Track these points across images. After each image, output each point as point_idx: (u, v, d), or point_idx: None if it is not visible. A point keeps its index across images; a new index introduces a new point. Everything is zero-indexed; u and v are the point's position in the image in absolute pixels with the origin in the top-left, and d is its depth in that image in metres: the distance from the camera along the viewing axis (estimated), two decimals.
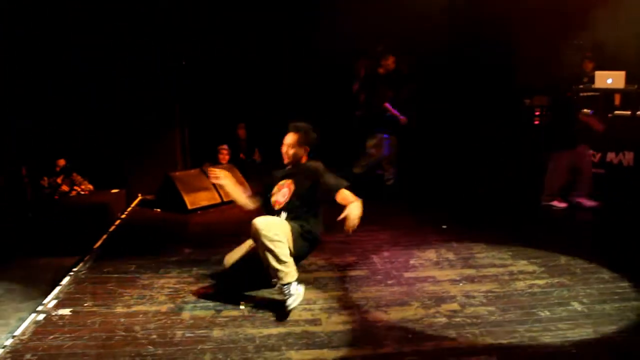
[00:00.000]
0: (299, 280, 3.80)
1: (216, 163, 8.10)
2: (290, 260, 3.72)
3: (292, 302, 3.66)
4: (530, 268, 4.51)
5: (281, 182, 4.24)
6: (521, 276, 4.33)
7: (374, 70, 7.46)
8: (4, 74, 7.43)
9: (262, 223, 3.69)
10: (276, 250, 3.64)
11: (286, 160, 4.27)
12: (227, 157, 8.40)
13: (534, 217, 6.43)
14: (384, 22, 8.05)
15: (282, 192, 4.18)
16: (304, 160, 4.27)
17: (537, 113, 8.09)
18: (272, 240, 3.63)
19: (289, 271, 3.68)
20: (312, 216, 4.11)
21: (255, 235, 3.69)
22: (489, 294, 4.00)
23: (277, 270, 3.67)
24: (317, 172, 4.11)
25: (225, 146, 8.45)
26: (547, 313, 3.62)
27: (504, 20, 7.72)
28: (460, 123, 8.12)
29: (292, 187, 4.15)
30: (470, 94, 7.85)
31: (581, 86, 7.71)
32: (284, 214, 4.07)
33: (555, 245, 5.10)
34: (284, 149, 4.25)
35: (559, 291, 4.01)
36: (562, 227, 6.11)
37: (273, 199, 4.22)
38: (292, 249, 3.81)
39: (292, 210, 4.07)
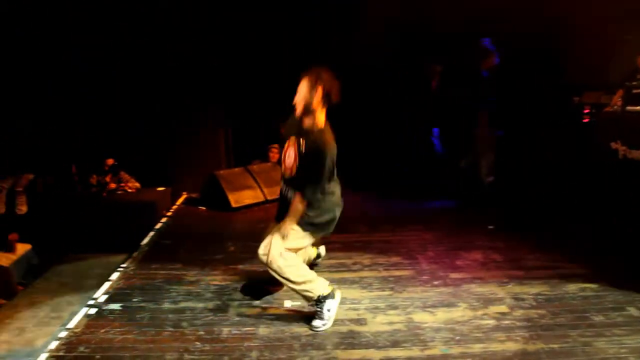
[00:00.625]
0: (333, 294, 3.59)
1: (265, 161, 8.14)
2: (307, 277, 3.54)
3: (320, 326, 3.49)
4: (581, 270, 4.38)
5: (292, 138, 3.70)
6: (572, 278, 4.21)
7: (474, 68, 7.19)
8: (60, 77, 7.70)
9: (261, 253, 3.58)
10: (286, 277, 3.50)
11: (297, 112, 3.58)
12: (276, 156, 8.41)
13: (584, 217, 6.24)
14: (438, 20, 7.91)
15: (289, 154, 3.69)
16: (318, 114, 3.51)
17: (586, 110, 7.86)
18: (275, 270, 3.51)
19: (310, 288, 3.52)
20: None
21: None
22: (539, 296, 3.90)
23: (298, 291, 3.55)
24: (314, 152, 3.48)
25: (276, 145, 8.46)
26: (601, 318, 3.51)
27: (553, 16, 7.51)
28: (508, 122, 7.93)
29: (297, 153, 3.60)
30: (519, 92, 7.65)
31: (634, 83, 7.44)
32: (290, 191, 3.67)
33: (607, 247, 4.95)
34: (295, 98, 3.57)
35: (613, 295, 3.87)
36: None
37: (283, 158, 3.77)
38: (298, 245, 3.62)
39: (294, 183, 3.64)
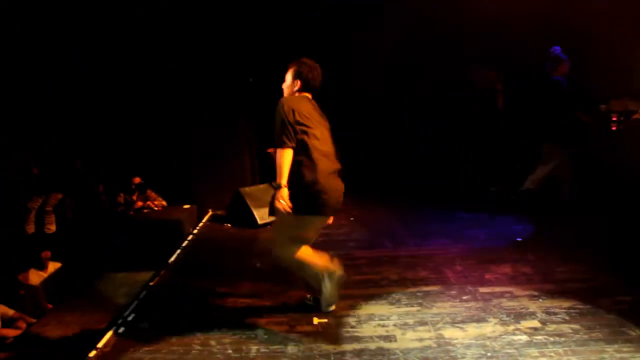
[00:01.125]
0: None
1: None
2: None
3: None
4: (615, 282, 4.27)
5: None
6: (605, 291, 4.10)
7: (544, 75, 7.03)
8: (85, 94, 7.83)
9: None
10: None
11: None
12: None
13: (614, 227, 6.10)
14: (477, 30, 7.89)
15: None
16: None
17: (614, 118, 7.73)
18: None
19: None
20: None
21: None
22: (572, 310, 3.81)
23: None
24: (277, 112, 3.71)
25: None
26: (639, 332, 3.41)
27: (578, 24, 7.41)
28: (536, 131, 7.82)
29: None
30: (544, 102, 7.53)
31: None
32: None
33: None
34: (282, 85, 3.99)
35: None
36: None
37: None
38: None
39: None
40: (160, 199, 8.23)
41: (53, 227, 7.99)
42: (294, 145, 3.61)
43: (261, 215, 6.91)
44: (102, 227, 7.71)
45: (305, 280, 3.97)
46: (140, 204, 8.12)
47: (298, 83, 3.85)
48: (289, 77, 3.90)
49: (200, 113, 8.00)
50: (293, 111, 3.65)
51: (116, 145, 8.49)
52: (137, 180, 8.36)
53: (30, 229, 7.75)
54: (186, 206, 7.84)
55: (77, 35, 7.65)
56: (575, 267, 4.71)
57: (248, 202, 6.98)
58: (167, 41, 7.79)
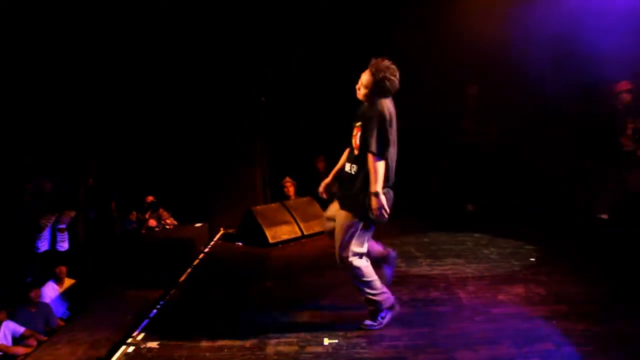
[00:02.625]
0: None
1: (284, 198, 8.13)
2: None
3: (369, 325, 3.92)
4: (632, 306, 4.20)
5: (356, 124, 3.84)
6: (621, 314, 4.04)
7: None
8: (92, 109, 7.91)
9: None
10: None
11: (360, 98, 3.83)
12: (292, 189, 8.43)
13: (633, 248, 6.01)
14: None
15: (356, 136, 3.82)
16: (377, 101, 3.70)
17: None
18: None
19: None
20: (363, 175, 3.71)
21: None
22: (586, 332, 3.74)
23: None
24: (366, 120, 3.69)
25: (287, 178, 8.49)
26: None
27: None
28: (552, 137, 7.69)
29: (359, 133, 3.76)
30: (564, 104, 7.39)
31: None
32: (354, 166, 3.81)
33: None
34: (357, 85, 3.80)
35: None
36: None
37: (354, 141, 3.86)
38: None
39: (356, 162, 3.78)
40: (172, 218, 8.26)
41: (66, 245, 8.02)
42: (387, 156, 3.65)
43: (272, 234, 6.90)
44: (114, 245, 7.74)
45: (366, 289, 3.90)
46: (152, 222, 8.15)
47: (386, 85, 3.65)
48: (370, 77, 3.67)
49: (213, 132, 8.04)
50: (390, 118, 3.66)
51: (129, 164, 8.56)
52: (150, 198, 8.40)
53: (43, 246, 7.79)
54: (198, 225, 7.86)
55: (91, 48, 7.81)
56: (591, 288, 4.65)
57: (259, 220, 6.97)
58: (183, 60, 7.87)
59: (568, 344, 3.58)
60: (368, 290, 3.84)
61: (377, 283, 3.87)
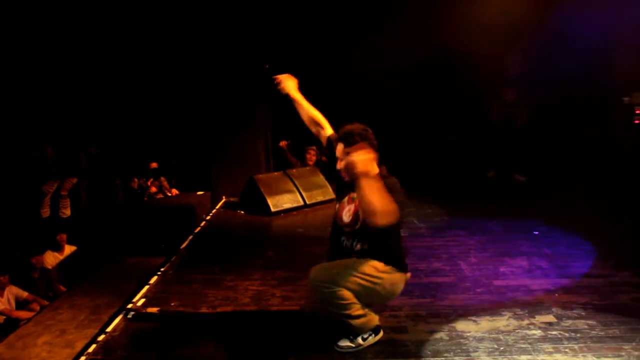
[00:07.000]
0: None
1: (303, 164, 8.08)
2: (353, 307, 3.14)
3: (344, 347, 3.20)
4: (635, 279, 4.16)
5: (352, 195, 3.29)
6: (625, 288, 4.00)
7: None
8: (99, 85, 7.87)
9: (314, 270, 3.23)
10: (332, 302, 3.11)
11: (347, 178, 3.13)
12: (314, 159, 8.37)
13: (636, 222, 5.96)
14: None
15: (347, 209, 3.32)
16: (376, 171, 3.15)
17: (637, 112, 7.60)
18: (322, 290, 3.11)
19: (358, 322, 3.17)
20: (382, 249, 3.29)
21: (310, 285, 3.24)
22: (588, 306, 3.71)
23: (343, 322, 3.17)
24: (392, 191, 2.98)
25: (313, 147, 8.43)
26: None
27: (601, 14, 7.25)
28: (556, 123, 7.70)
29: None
30: (566, 93, 7.40)
31: None
32: (345, 239, 3.35)
33: None
34: (341, 164, 3.16)
35: None
36: None
37: (337, 210, 3.40)
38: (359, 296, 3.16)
39: (355, 236, 3.31)
40: (173, 189, 8.25)
41: (68, 212, 8.03)
42: None
43: (274, 203, 6.87)
44: (116, 212, 7.74)
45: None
46: (154, 189, 8.12)
47: (375, 155, 3.22)
48: (366, 152, 2.94)
49: (215, 99, 7.97)
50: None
51: (132, 132, 8.52)
52: (154, 165, 8.36)
53: (45, 212, 7.80)
54: (200, 192, 7.83)
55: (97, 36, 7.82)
56: (593, 262, 4.61)
57: (262, 189, 6.93)
58: (186, 29, 7.77)
59: (570, 316, 3.55)
60: None
61: None
